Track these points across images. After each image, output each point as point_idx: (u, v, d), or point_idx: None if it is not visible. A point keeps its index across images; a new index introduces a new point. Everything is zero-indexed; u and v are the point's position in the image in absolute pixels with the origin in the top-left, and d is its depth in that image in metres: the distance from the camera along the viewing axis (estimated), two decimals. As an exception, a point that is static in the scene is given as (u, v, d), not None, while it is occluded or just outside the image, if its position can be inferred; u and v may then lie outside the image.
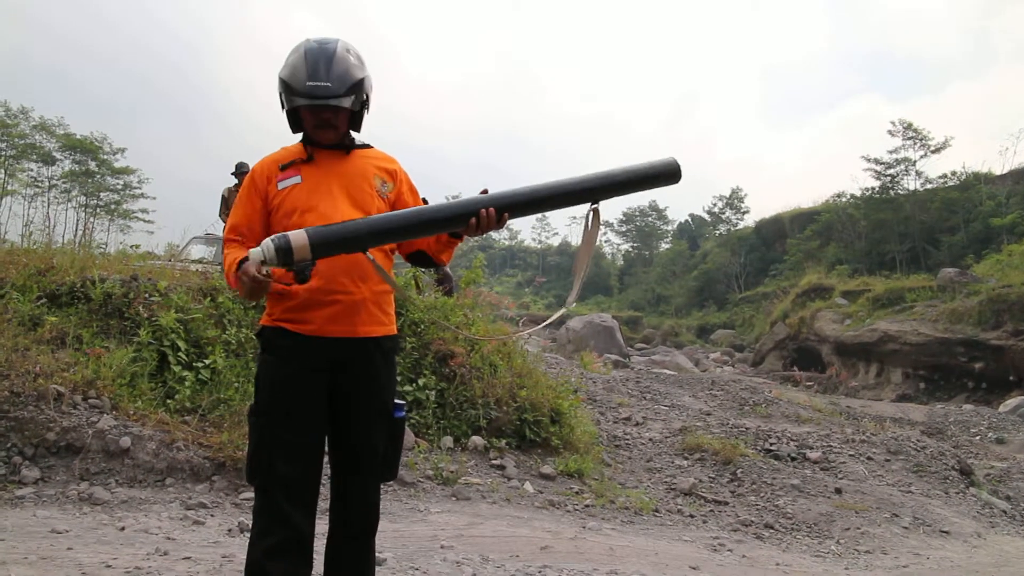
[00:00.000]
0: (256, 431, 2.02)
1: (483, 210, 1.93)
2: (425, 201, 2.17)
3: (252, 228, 2.07)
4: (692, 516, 5.34)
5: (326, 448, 2.11)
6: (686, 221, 55.31)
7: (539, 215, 56.17)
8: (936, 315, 18.57)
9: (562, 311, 2.28)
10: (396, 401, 2.13)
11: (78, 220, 27.91)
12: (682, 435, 7.30)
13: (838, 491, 6.05)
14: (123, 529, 3.56)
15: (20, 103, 31.62)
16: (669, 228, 56.33)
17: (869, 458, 7.11)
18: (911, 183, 31.22)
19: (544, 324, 2.37)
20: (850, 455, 7.08)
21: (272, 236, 1.81)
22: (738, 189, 49.30)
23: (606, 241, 57.19)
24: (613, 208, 63.47)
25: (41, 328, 4.82)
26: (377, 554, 2.30)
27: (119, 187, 32.75)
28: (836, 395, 15.47)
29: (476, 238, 2.08)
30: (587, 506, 5.14)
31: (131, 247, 8.01)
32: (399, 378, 5.39)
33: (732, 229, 46.78)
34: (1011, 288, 17.66)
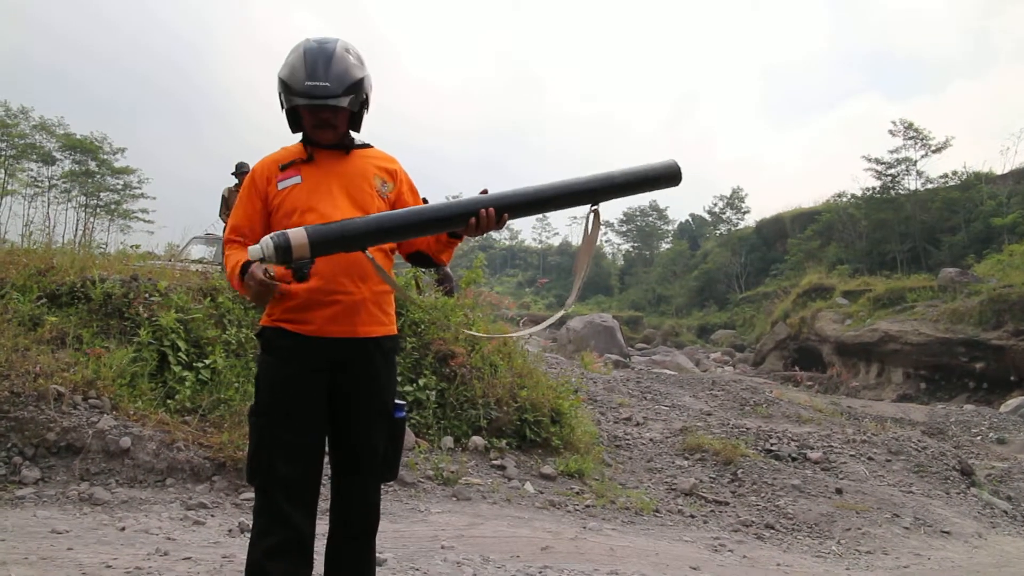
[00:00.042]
0: (256, 431, 2.02)
1: (483, 210, 1.93)
2: (425, 201, 2.16)
3: (253, 228, 2.07)
4: (693, 516, 5.34)
5: (326, 448, 2.11)
6: (687, 221, 55.29)
7: (539, 215, 56.13)
8: (937, 315, 18.57)
9: (561, 312, 2.27)
10: (396, 401, 2.13)
11: (78, 220, 27.97)
12: (683, 435, 7.30)
13: (839, 491, 6.04)
14: (123, 529, 3.56)
15: (20, 103, 31.68)
16: (670, 228, 56.31)
17: (870, 458, 7.11)
18: (912, 183, 31.26)
19: (543, 326, 2.36)
20: (851, 455, 7.08)
21: (271, 234, 1.81)
22: (739, 189, 49.31)
23: (607, 241, 57.21)
24: (614, 208, 63.66)
25: (41, 328, 4.82)
26: (377, 554, 2.29)
27: (119, 187, 32.75)
28: (837, 395, 15.47)
29: (476, 238, 2.08)
30: (588, 506, 5.13)
31: (131, 247, 8.03)
32: (399, 378, 5.39)
33: (733, 229, 46.72)
34: (1012, 288, 17.65)
